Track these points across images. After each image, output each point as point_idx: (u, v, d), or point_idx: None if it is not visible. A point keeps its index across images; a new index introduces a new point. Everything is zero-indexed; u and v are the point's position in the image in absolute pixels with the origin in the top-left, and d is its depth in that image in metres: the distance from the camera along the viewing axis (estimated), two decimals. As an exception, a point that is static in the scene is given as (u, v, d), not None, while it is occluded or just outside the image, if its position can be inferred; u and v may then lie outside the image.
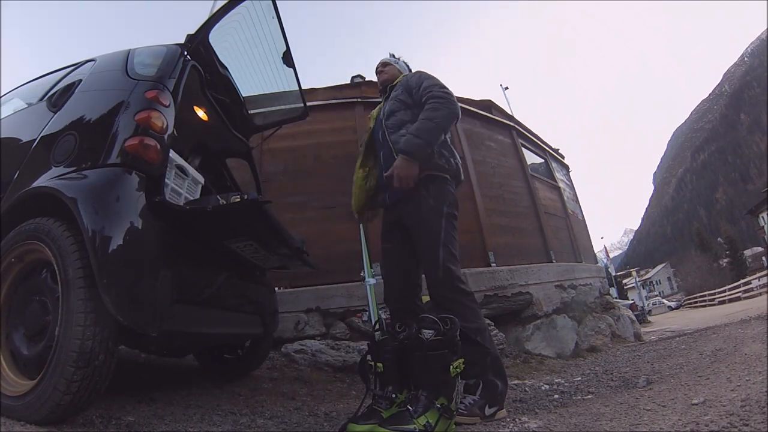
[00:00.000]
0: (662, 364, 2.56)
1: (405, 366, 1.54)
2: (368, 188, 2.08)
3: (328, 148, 4.00)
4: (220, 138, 2.42)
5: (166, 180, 1.61)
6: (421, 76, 1.97)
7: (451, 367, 1.46)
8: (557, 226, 5.22)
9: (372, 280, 2.69)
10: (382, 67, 2.21)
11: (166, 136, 1.54)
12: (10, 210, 1.43)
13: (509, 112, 6.48)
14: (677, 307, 28.41)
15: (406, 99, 1.94)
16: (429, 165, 1.83)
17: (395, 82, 2.08)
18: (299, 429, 1.59)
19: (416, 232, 1.83)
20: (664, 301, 34.13)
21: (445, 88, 1.87)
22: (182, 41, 1.88)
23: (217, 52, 2.12)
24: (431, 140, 1.76)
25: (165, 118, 1.54)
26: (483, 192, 4.21)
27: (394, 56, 2.29)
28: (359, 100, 4.30)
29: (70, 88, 1.77)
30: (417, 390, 1.47)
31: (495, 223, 4.16)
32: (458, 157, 2.00)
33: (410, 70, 2.24)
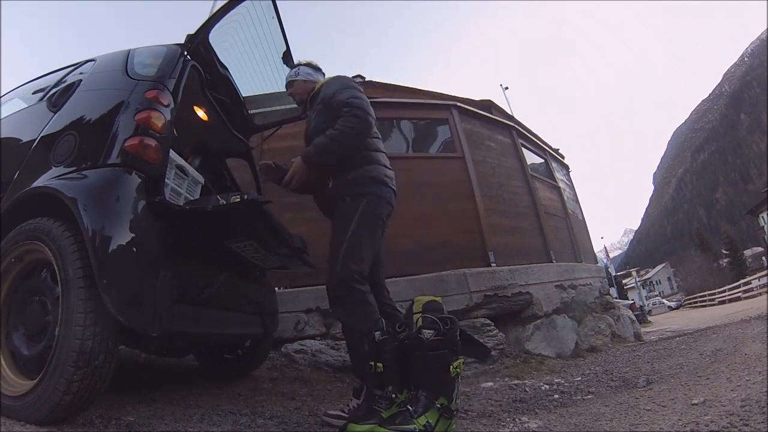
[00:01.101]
0: (662, 364, 2.56)
1: (405, 366, 1.53)
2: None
3: (328, 148, 4.00)
4: (220, 138, 2.42)
5: (166, 180, 1.61)
6: (333, 84, 1.89)
7: (451, 367, 1.46)
8: (557, 226, 5.21)
9: (372, 280, 2.68)
10: (290, 89, 2.14)
11: (166, 136, 1.54)
12: (10, 210, 1.43)
13: (509, 112, 6.49)
14: (677, 307, 28.41)
15: (326, 112, 1.85)
16: (343, 179, 1.82)
17: (315, 93, 2.00)
18: (299, 429, 1.59)
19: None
20: (664, 301, 34.13)
21: (357, 99, 1.78)
22: (182, 41, 1.87)
23: (217, 52, 2.12)
24: (325, 157, 1.74)
25: (165, 118, 1.54)
26: (483, 192, 4.20)
27: (293, 66, 2.17)
28: (359, 100, 4.29)
29: (70, 88, 1.77)
30: (417, 390, 1.47)
31: (495, 223, 4.15)
32: (376, 163, 1.88)
33: (316, 69, 2.13)
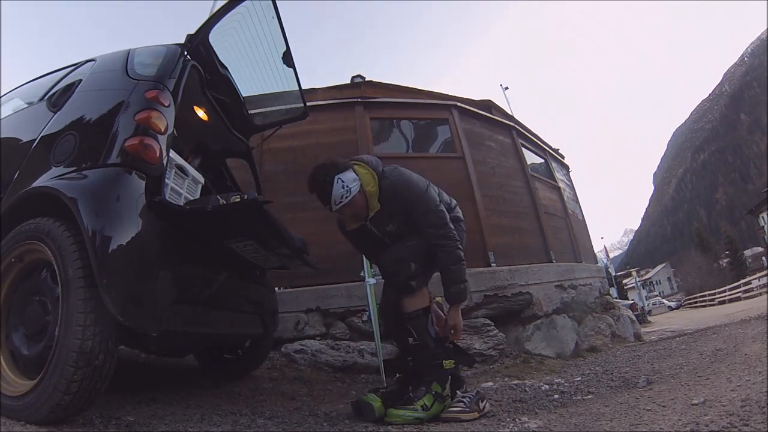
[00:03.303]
0: (662, 364, 2.56)
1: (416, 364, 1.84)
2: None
3: (328, 148, 4.00)
4: (220, 138, 2.42)
5: (166, 180, 1.61)
6: (402, 192, 1.80)
7: (444, 362, 1.77)
8: (557, 226, 5.21)
9: (372, 280, 2.69)
10: (349, 210, 1.84)
11: (166, 136, 1.54)
12: (10, 210, 1.43)
13: (509, 112, 6.48)
14: (677, 307, 28.41)
15: (403, 218, 1.85)
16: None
17: (374, 208, 1.82)
18: (299, 429, 1.59)
19: None
20: (664, 301, 34.11)
21: (439, 212, 1.80)
22: (182, 41, 1.87)
23: (217, 52, 2.12)
24: (465, 288, 1.84)
25: (165, 118, 1.54)
26: (483, 192, 4.20)
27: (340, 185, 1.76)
28: (359, 100, 4.30)
29: (70, 88, 1.78)
30: (420, 381, 1.76)
31: (495, 223, 4.15)
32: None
33: (347, 168, 1.82)
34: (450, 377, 1.79)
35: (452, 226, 1.83)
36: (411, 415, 1.66)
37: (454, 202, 2.09)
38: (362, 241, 2.03)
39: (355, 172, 1.82)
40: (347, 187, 1.76)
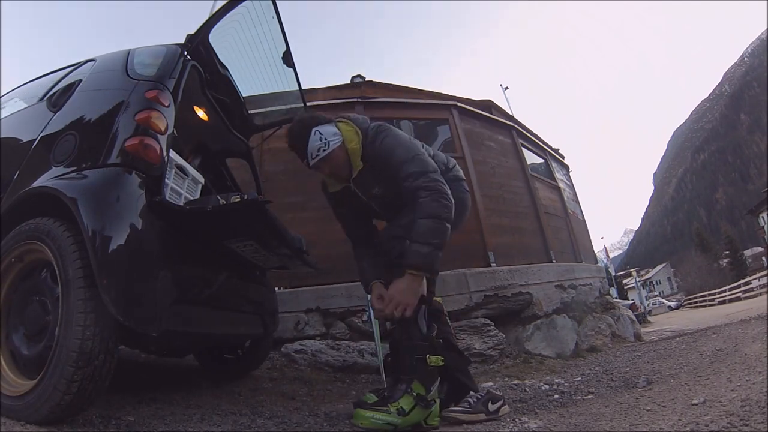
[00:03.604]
0: (662, 364, 2.56)
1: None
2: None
3: (328, 148, 4.00)
4: (220, 138, 2.42)
5: (166, 180, 1.60)
6: (381, 145, 1.62)
7: (430, 358, 1.51)
8: (557, 226, 5.21)
9: (372, 280, 2.68)
10: (328, 166, 1.67)
11: (166, 136, 1.54)
12: (10, 210, 1.43)
13: (509, 112, 6.50)
14: (677, 307, 28.43)
15: (387, 184, 1.66)
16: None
17: (357, 167, 1.67)
18: (299, 429, 1.59)
19: None
20: (664, 301, 34.13)
21: (419, 159, 1.58)
22: (182, 41, 1.87)
23: (217, 52, 2.12)
24: (442, 242, 1.50)
25: (165, 118, 1.54)
26: (483, 192, 4.20)
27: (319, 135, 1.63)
28: (359, 100, 4.31)
29: (70, 88, 1.77)
30: (399, 379, 1.53)
31: (495, 223, 4.16)
32: None
33: (328, 121, 1.71)
34: (438, 379, 1.56)
35: (437, 178, 1.56)
36: (381, 419, 1.39)
37: (452, 161, 1.91)
38: (345, 208, 1.85)
39: (337, 128, 1.69)
40: (325, 140, 1.62)
